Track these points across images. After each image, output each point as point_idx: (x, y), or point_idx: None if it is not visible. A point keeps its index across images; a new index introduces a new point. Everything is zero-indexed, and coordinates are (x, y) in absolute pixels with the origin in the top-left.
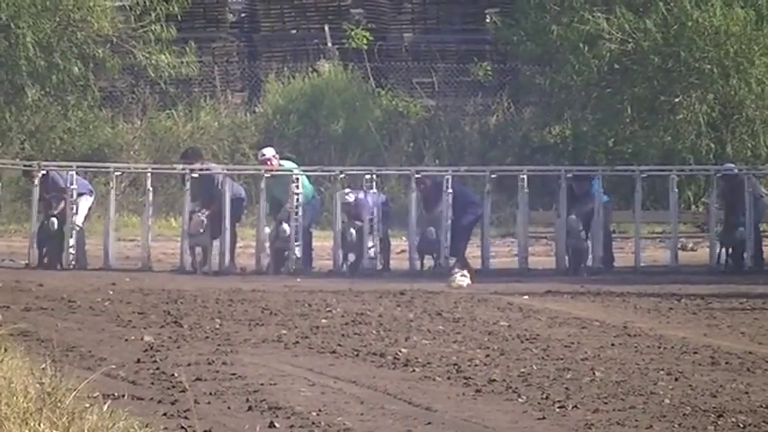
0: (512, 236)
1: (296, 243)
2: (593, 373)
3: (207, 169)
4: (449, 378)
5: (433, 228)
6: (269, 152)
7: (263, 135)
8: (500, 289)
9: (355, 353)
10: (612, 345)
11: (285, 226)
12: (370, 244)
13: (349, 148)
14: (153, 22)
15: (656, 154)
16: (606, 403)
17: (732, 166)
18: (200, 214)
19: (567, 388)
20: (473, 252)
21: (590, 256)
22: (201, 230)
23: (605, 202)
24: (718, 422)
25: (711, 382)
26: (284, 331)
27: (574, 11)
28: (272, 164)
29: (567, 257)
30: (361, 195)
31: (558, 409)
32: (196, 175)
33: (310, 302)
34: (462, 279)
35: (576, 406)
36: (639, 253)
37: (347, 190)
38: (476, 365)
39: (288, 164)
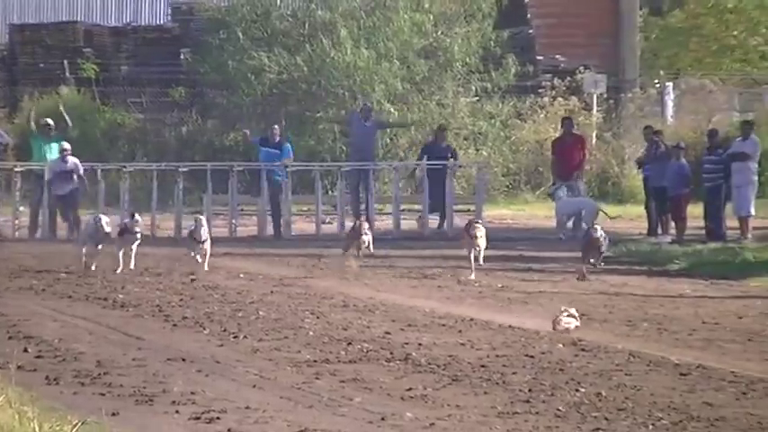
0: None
1: None
2: (258, 313)
3: None
4: (153, 316)
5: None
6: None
7: (19, 139)
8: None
9: (86, 297)
10: (272, 292)
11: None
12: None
13: (83, 149)
14: None
15: (303, 153)
16: (268, 334)
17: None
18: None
19: (239, 323)
20: (170, 224)
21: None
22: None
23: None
24: (348, 348)
25: (343, 319)
26: (35, 282)
27: (244, 50)
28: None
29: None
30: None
31: (233, 339)
32: None
33: (54, 261)
34: (569, 321)
35: (245, 336)
36: (290, 224)
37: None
38: (173, 306)
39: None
